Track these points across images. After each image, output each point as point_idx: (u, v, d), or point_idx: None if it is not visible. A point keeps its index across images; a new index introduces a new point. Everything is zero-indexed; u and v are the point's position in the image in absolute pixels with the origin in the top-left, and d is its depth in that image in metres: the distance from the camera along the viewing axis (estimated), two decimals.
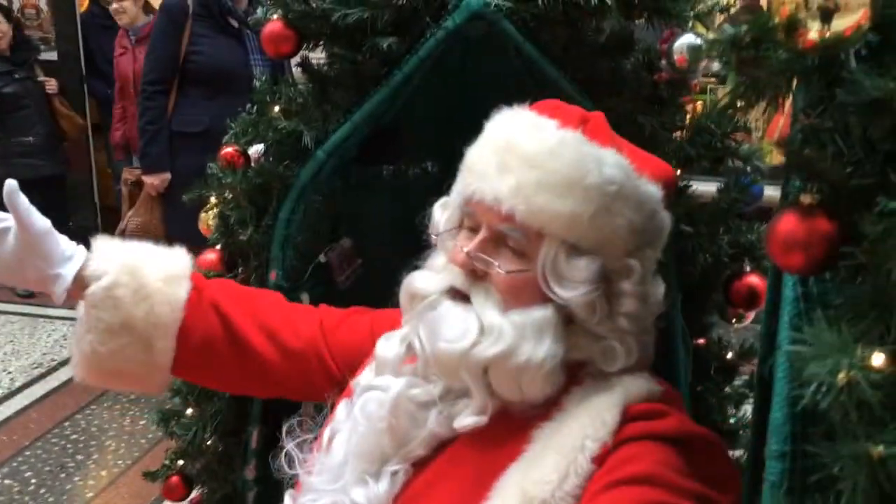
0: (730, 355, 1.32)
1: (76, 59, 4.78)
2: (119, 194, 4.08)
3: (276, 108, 1.26)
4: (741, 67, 0.52)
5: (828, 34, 0.51)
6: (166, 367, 1.08)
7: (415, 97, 1.27)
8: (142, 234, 3.18)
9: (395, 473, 0.91)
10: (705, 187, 1.26)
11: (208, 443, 1.35)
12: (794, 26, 0.51)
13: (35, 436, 3.22)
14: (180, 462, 1.35)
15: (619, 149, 0.91)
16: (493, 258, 0.87)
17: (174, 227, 3.21)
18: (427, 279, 0.93)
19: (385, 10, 1.17)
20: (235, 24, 3.14)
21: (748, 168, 1.15)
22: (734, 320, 1.30)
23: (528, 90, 1.21)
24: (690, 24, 1.08)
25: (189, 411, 1.36)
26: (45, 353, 3.90)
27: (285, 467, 1.01)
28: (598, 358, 0.89)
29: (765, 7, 0.57)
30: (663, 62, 1.16)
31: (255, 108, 1.30)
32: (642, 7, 1.14)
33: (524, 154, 0.86)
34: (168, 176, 3.21)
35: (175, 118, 3.15)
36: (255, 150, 1.28)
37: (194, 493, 1.41)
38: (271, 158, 1.27)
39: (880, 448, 0.48)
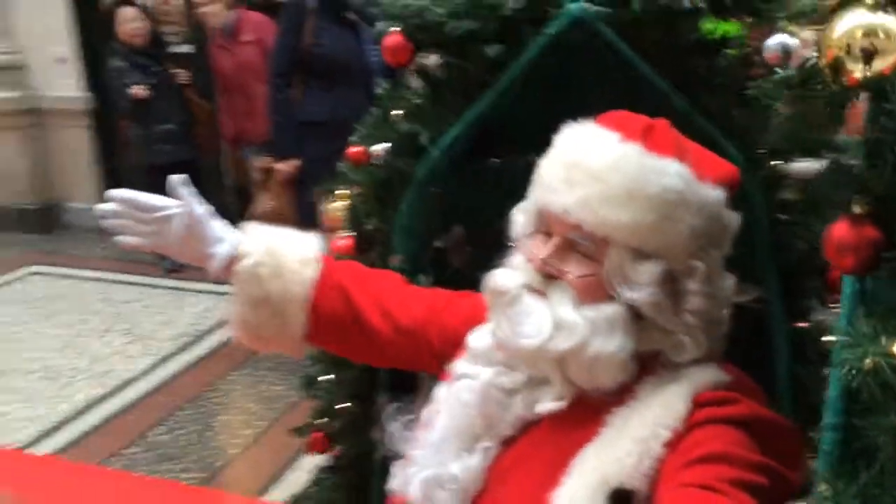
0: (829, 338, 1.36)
1: (205, 52, 5.15)
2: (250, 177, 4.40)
3: (397, 112, 1.41)
4: (791, 102, 0.62)
5: (869, 73, 0.60)
6: (299, 336, 1.25)
7: (519, 97, 1.38)
8: (272, 217, 3.45)
9: (486, 450, 1.03)
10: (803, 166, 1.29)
11: (344, 406, 1.55)
12: (839, 67, 0.60)
13: (186, 397, 3.59)
14: (321, 420, 1.54)
15: (682, 157, 0.97)
16: (564, 263, 0.97)
17: (304, 210, 3.46)
18: (507, 276, 1.02)
19: (491, 21, 1.29)
20: (352, 16, 3.33)
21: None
22: (833, 305, 1.33)
23: (622, 87, 1.32)
24: (783, 24, 1.13)
25: (327, 377, 1.55)
26: (191, 324, 4.28)
27: (394, 442, 1.17)
28: (669, 350, 0.97)
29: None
30: (757, 59, 1.21)
31: (378, 110, 1.46)
32: (735, 8, 1.21)
33: (588, 169, 0.95)
34: (298, 162, 3.45)
35: (301, 109, 3.38)
36: (379, 148, 1.43)
37: (333, 451, 1.61)
38: (393, 156, 1.42)
39: None
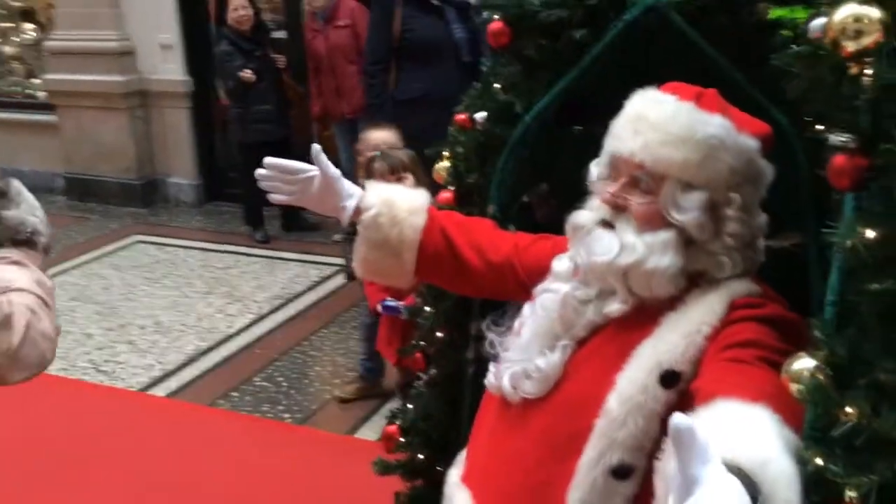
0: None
1: (301, 38, 5.53)
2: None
3: (496, 85, 1.69)
4: (804, 68, 0.88)
5: (858, 47, 0.86)
6: (411, 271, 1.54)
7: (600, 74, 1.64)
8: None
9: (564, 347, 1.29)
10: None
11: (439, 334, 1.85)
12: (837, 43, 0.86)
13: (281, 350, 3.97)
14: (422, 343, 1.85)
15: (725, 113, 1.24)
16: (630, 195, 1.24)
17: None
18: (584, 215, 1.30)
19: (578, 10, 1.56)
20: (436, 1, 3.63)
21: None
22: None
23: (690, 66, 1.57)
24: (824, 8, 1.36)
25: (427, 308, 1.85)
26: (283, 288, 4.67)
27: (489, 349, 1.46)
28: (712, 268, 1.22)
29: None
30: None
31: (480, 84, 1.74)
32: None
33: (650, 121, 1.22)
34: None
35: (398, 90, 3.70)
36: (480, 116, 1.72)
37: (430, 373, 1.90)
38: (491, 123, 1.71)
39: (875, 286, 0.83)
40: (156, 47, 6.09)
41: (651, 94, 1.30)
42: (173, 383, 3.75)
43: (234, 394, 3.62)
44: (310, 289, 4.64)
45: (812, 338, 0.92)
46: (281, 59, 5.20)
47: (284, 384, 3.68)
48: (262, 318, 4.31)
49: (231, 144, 5.73)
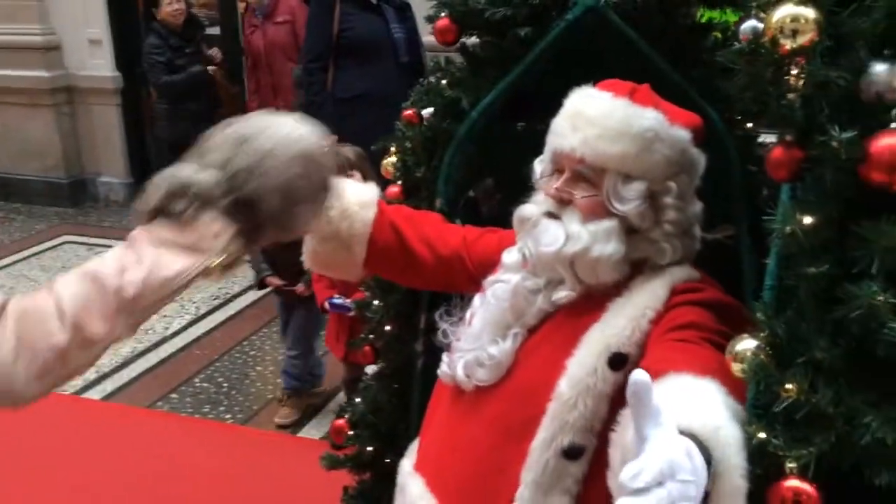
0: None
1: (234, 35, 5.45)
2: None
3: (443, 82, 1.71)
4: (746, 66, 0.93)
5: (795, 45, 0.91)
6: (360, 264, 1.55)
7: (544, 71, 1.69)
8: None
9: (516, 335, 1.33)
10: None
11: (387, 328, 1.86)
12: (776, 41, 0.91)
13: (221, 351, 3.91)
14: (371, 336, 1.86)
15: (657, 107, 1.30)
16: (573, 189, 1.29)
17: None
18: (531, 208, 1.35)
19: (523, 8, 1.60)
20: (374, 0, 3.63)
21: None
22: None
23: (628, 64, 1.63)
24: (753, 11, 1.43)
25: (375, 302, 1.86)
26: (220, 288, 4.59)
27: (442, 338, 1.49)
28: (654, 255, 1.29)
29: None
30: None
31: (427, 81, 1.76)
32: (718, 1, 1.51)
33: (588, 117, 1.28)
34: (334, 138, 3.76)
35: (336, 87, 3.69)
36: (427, 111, 1.74)
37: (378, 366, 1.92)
38: (438, 118, 1.73)
39: (811, 269, 0.89)
40: (84, 42, 5.92)
41: (587, 91, 1.35)
42: (109, 386, 3.66)
43: (174, 395, 3.55)
44: (248, 288, 4.57)
45: (753, 320, 0.97)
46: (216, 54, 5.11)
47: (225, 385, 3.62)
48: (200, 318, 4.24)
49: (162, 142, 5.58)
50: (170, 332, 4.09)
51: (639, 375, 0.75)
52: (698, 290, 1.26)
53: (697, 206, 1.34)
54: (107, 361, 3.81)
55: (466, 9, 1.64)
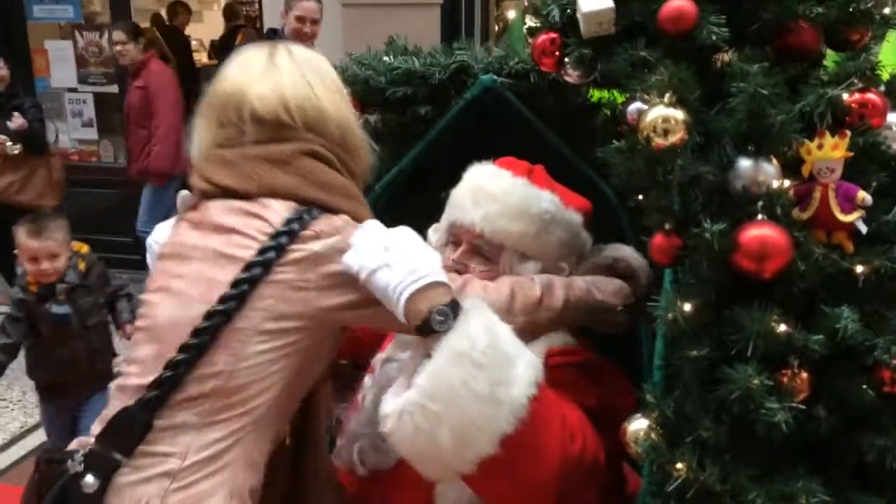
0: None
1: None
2: None
3: None
4: (623, 160, 1.00)
5: (667, 143, 0.98)
6: None
7: (446, 144, 1.74)
8: None
9: None
10: None
11: None
12: (649, 139, 0.99)
13: None
14: None
15: (553, 190, 1.36)
16: (469, 262, 1.33)
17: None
18: None
19: (423, 88, 1.65)
20: None
21: None
22: None
23: (524, 139, 1.70)
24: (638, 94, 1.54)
25: None
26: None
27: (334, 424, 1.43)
28: None
29: None
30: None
31: None
32: (607, 83, 1.60)
33: (490, 193, 1.32)
34: None
35: None
36: None
37: None
38: None
39: (693, 353, 0.95)
40: None
41: (488, 167, 1.40)
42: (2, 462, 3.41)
43: None
44: None
45: (644, 401, 1.02)
46: (18, 125, 4.34)
47: None
48: None
49: None
50: None
51: None
52: (571, 353, 1.30)
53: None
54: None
55: (368, 87, 1.68)
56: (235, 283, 1.03)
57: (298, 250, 1.03)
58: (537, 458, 1.00)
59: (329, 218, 1.07)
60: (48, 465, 1.12)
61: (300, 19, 3.77)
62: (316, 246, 1.04)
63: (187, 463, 1.04)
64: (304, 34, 3.72)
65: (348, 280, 1.04)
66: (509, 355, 0.99)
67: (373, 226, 1.08)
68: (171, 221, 1.22)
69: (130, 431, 1.04)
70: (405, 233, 1.07)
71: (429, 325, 0.98)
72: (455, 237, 1.38)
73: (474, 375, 0.95)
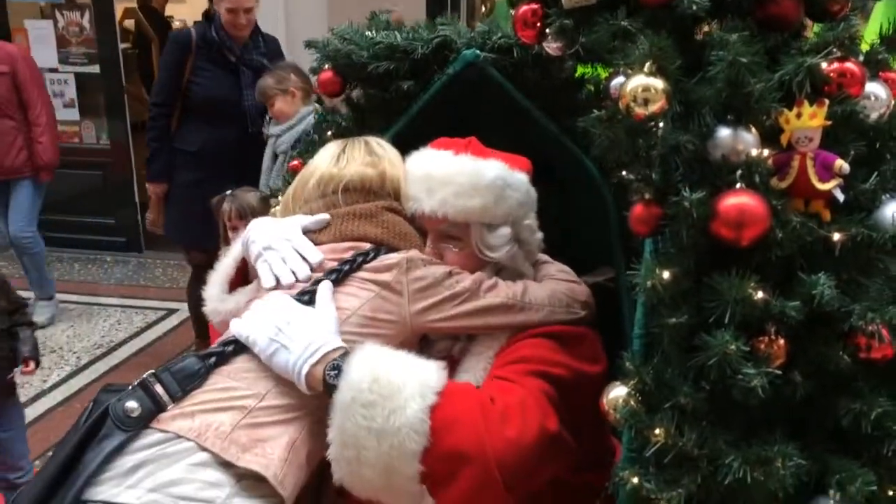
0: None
1: (117, 72, 5.25)
2: None
3: (329, 132, 1.73)
4: (604, 130, 1.00)
5: (648, 112, 0.98)
6: None
7: (428, 121, 1.73)
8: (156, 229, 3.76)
9: None
10: None
11: None
12: (630, 109, 0.99)
13: None
14: None
15: (495, 157, 1.37)
16: (443, 248, 1.36)
17: (169, 227, 3.68)
18: None
19: (405, 62, 1.64)
20: (232, 58, 3.53)
21: None
22: None
23: (507, 114, 1.70)
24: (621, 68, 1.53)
25: None
26: (103, 336, 4.39)
27: None
28: None
29: None
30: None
31: (314, 132, 1.77)
32: (590, 57, 1.60)
33: (439, 178, 1.34)
34: (166, 186, 3.60)
35: (176, 137, 3.56)
36: None
37: None
38: None
39: (672, 320, 0.96)
40: None
41: (427, 153, 1.41)
42: None
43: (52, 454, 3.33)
44: (134, 335, 4.39)
45: (623, 368, 1.03)
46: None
47: None
48: (80, 369, 4.02)
49: None
50: (48, 384, 3.85)
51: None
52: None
53: (539, 236, 1.44)
54: None
55: (350, 62, 1.67)
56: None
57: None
58: (462, 454, 1.06)
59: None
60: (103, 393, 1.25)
61: (231, 11, 3.41)
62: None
63: (263, 404, 1.16)
64: (240, 25, 3.44)
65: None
66: (393, 383, 1.08)
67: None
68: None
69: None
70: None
71: (328, 385, 1.11)
72: (420, 228, 1.40)
73: (367, 415, 1.06)
